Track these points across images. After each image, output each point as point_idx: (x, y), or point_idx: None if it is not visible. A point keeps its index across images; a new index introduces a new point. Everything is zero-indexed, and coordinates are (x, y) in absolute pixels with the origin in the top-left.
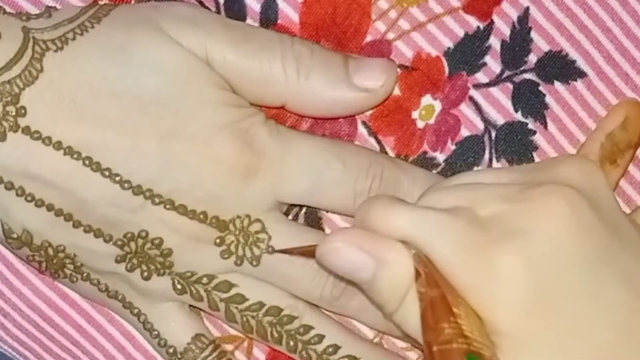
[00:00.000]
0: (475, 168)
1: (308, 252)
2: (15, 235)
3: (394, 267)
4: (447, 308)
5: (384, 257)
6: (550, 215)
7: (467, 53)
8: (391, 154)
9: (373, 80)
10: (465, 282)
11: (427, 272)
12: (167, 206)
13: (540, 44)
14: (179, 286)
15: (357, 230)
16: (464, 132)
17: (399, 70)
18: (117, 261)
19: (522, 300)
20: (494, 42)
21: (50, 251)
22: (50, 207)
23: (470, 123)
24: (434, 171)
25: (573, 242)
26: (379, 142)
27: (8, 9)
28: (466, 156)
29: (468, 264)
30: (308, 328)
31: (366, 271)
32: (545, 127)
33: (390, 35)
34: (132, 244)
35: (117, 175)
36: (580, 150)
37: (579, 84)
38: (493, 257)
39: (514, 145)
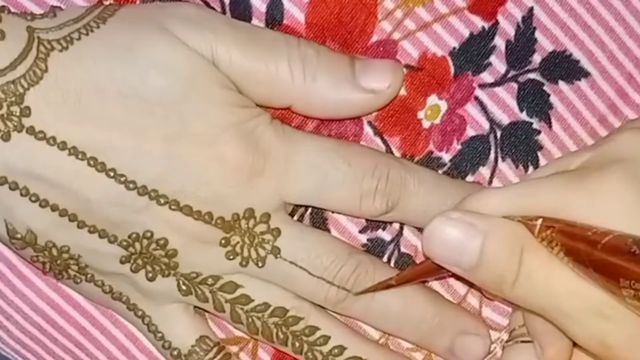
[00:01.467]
0: (481, 168)
1: (387, 286)
2: (19, 236)
3: (502, 232)
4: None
5: (489, 226)
6: (637, 142)
7: (473, 53)
8: (397, 154)
9: (379, 82)
10: (581, 219)
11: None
12: (173, 207)
13: (545, 44)
14: (183, 287)
15: (456, 209)
16: (470, 132)
17: (404, 70)
18: (121, 262)
19: (635, 214)
20: (499, 42)
21: (55, 252)
22: (54, 208)
23: (475, 123)
24: (440, 171)
25: None
26: (384, 142)
27: (12, 9)
28: (472, 156)
29: (578, 200)
30: (314, 329)
31: (473, 249)
32: (550, 126)
33: (396, 35)
34: (137, 245)
35: (122, 175)
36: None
37: (582, 84)
38: (599, 182)
39: (519, 144)
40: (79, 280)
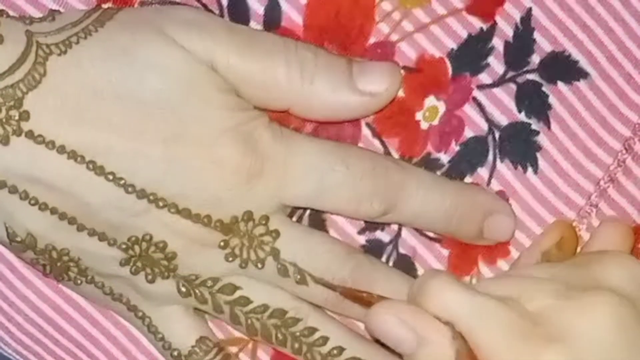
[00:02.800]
0: (480, 169)
1: (362, 301)
2: (19, 239)
3: (435, 348)
4: None
5: (427, 337)
6: (595, 320)
7: (471, 54)
8: (395, 155)
9: (377, 84)
10: None
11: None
12: (171, 210)
13: (543, 45)
14: (183, 289)
15: (406, 306)
16: (468, 133)
17: (402, 72)
18: (121, 264)
19: None
20: (497, 43)
21: (55, 254)
22: (53, 211)
23: (474, 124)
24: (438, 172)
25: (615, 348)
26: (383, 143)
27: (12, 13)
28: (470, 157)
29: (513, 354)
30: (313, 330)
31: (408, 346)
32: (549, 127)
33: (394, 37)
34: (136, 248)
35: (121, 178)
36: (515, 263)
37: (582, 84)
38: (538, 352)
39: (518, 145)
40: (79, 282)
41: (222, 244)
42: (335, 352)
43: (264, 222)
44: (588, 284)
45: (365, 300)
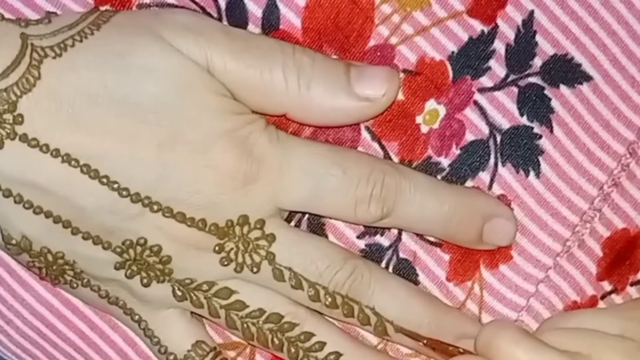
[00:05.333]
0: (481, 173)
1: (446, 353)
2: (14, 242)
3: None
4: None
5: None
6: None
7: (472, 57)
8: (395, 159)
9: (375, 89)
10: None
11: None
12: (166, 214)
13: (545, 48)
14: (178, 293)
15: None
16: (469, 137)
17: (402, 74)
18: (116, 268)
19: None
20: (499, 45)
21: (50, 257)
22: (48, 214)
23: (475, 127)
24: (439, 176)
25: None
26: (382, 147)
27: (7, 15)
28: (471, 161)
29: None
30: (309, 335)
31: None
32: (551, 131)
33: (394, 40)
34: (131, 251)
35: (115, 182)
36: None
37: (584, 88)
38: None
39: (520, 149)
40: (75, 285)
41: (217, 248)
42: (332, 357)
43: (259, 226)
44: None
45: (449, 352)
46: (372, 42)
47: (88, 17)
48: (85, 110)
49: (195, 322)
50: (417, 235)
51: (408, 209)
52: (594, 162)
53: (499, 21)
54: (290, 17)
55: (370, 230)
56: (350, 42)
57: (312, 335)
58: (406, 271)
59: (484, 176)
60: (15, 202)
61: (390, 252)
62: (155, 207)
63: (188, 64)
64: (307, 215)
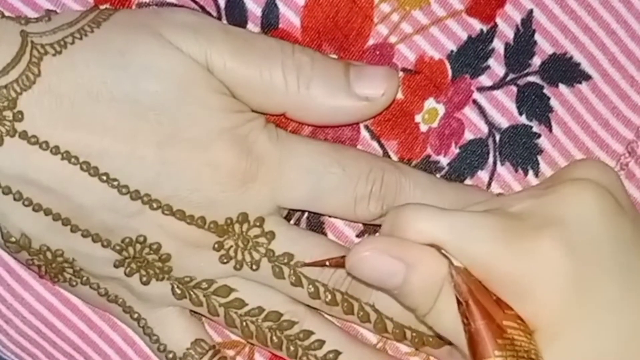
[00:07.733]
0: (480, 172)
1: (337, 264)
2: (13, 239)
3: (424, 269)
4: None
5: (413, 260)
6: (579, 203)
7: (471, 56)
8: (394, 158)
9: (374, 89)
10: (504, 273)
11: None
12: (165, 211)
13: (545, 47)
14: (178, 291)
15: (384, 237)
16: (468, 136)
17: (401, 73)
18: (115, 266)
19: (564, 285)
20: (498, 44)
21: (49, 255)
22: (47, 212)
23: (474, 126)
24: (438, 175)
25: (604, 227)
26: (381, 146)
27: (7, 13)
28: (470, 160)
29: (507, 252)
30: (308, 333)
31: (397, 277)
32: (550, 130)
33: (393, 39)
34: (130, 249)
35: (115, 180)
36: None
37: (583, 87)
38: (534, 242)
39: (519, 148)
40: (74, 284)
41: (216, 245)
42: (331, 355)
43: (259, 223)
44: (564, 180)
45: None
46: (371, 41)
47: (88, 15)
48: (85, 107)
49: (195, 321)
50: None
51: None
52: None
53: (498, 20)
54: (290, 16)
55: (369, 228)
56: (350, 41)
57: (312, 333)
58: None
59: (483, 175)
60: (14, 199)
61: None
62: (154, 205)
63: (188, 62)
64: (306, 214)
